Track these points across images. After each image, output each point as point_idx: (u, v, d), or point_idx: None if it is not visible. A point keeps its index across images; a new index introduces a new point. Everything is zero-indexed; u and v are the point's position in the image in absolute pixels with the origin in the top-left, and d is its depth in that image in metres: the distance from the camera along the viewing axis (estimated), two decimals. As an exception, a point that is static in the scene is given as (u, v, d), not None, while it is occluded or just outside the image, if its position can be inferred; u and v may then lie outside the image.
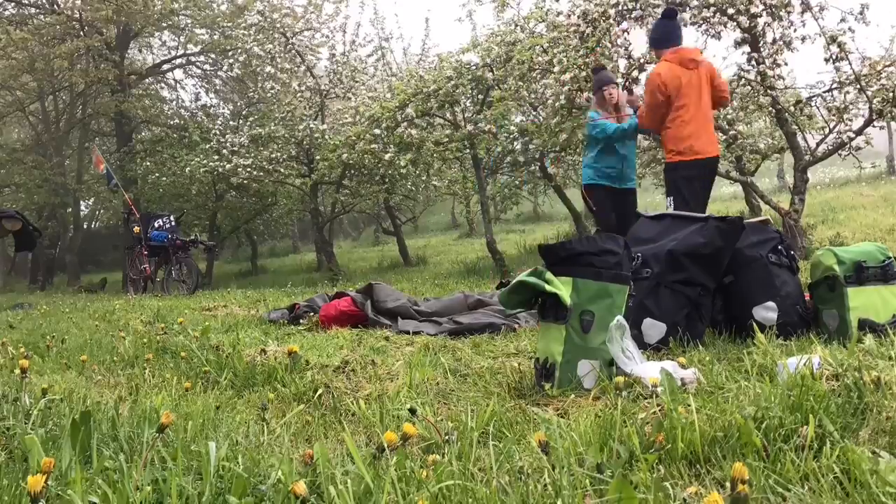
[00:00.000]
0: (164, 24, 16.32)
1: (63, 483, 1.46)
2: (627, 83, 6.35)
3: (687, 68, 4.90)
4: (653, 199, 18.13)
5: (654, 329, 2.88)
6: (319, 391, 2.42)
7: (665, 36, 5.07)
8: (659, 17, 5.33)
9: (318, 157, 11.73)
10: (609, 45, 7.14)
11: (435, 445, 1.73)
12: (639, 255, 2.99)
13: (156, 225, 10.95)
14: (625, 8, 6.96)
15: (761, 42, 6.83)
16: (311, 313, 4.57)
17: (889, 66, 6.52)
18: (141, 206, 14.06)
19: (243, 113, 14.34)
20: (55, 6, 15.66)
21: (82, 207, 22.21)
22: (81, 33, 15.28)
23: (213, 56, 17.13)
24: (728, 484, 1.18)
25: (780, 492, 1.30)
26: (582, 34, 7.07)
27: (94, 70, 15.66)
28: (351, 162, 10.35)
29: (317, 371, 2.74)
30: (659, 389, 1.93)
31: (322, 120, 11.87)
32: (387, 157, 9.36)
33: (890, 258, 2.83)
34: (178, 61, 18.65)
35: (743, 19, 6.61)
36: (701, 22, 6.86)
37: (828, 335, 2.78)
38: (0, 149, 18.07)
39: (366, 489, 1.35)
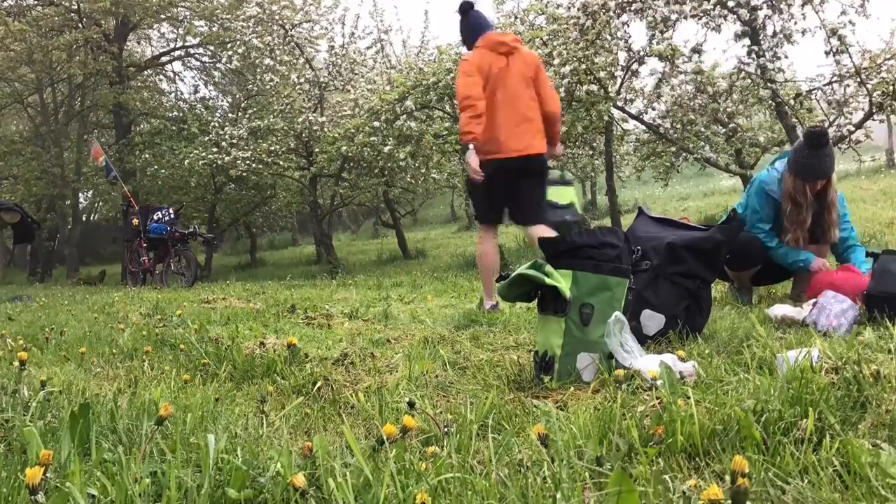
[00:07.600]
0: (163, 16, 16.26)
1: (62, 475, 1.46)
2: None
3: (497, 52, 4.14)
4: (652, 193, 18.12)
5: (652, 320, 2.87)
6: (318, 384, 2.42)
7: (468, 31, 4.31)
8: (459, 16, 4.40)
9: (317, 150, 11.71)
10: (609, 38, 7.12)
11: (434, 438, 1.73)
12: (638, 248, 2.99)
13: (155, 217, 10.94)
14: (624, 0, 6.94)
15: (761, 35, 6.81)
16: None
17: (889, 59, 6.51)
18: (140, 198, 14.03)
19: (242, 105, 14.28)
20: (53, -3, 15.59)
21: (81, 200, 22.20)
22: (80, 25, 15.23)
23: (211, 48, 17.07)
24: (728, 477, 1.18)
25: (780, 485, 1.30)
26: (582, 27, 7.05)
27: (92, 62, 15.59)
28: (350, 154, 10.33)
29: (316, 364, 2.74)
30: (658, 382, 1.93)
31: (321, 112, 11.85)
32: (386, 149, 9.34)
33: None
34: (177, 53, 18.60)
35: (743, 12, 6.60)
36: (701, 15, 6.84)
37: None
38: (-1, 141, 18.04)
39: (365, 481, 1.35)
